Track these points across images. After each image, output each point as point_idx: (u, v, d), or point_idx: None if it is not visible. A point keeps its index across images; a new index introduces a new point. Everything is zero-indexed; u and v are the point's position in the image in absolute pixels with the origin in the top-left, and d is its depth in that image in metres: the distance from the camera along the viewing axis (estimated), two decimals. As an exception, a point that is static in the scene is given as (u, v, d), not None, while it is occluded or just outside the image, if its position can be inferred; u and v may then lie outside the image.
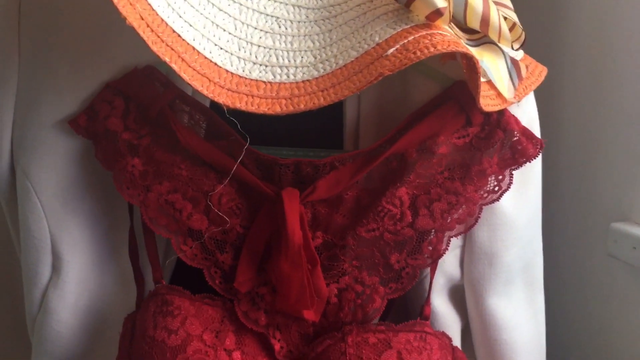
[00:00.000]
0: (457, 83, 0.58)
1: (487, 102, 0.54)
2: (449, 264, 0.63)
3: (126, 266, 0.62)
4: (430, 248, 0.57)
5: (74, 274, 0.62)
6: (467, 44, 0.52)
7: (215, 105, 0.60)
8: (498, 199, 0.57)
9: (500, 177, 0.57)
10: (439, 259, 0.58)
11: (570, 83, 0.83)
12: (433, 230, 0.57)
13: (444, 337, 0.59)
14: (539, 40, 0.83)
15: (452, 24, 0.52)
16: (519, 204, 0.62)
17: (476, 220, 0.57)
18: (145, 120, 0.58)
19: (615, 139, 0.80)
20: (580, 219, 0.87)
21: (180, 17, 0.48)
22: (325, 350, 0.56)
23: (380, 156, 0.56)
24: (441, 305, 0.63)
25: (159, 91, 0.58)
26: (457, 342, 0.63)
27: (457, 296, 0.64)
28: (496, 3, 0.55)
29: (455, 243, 0.62)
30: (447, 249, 0.57)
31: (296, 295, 0.55)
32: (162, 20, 0.46)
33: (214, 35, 0.49)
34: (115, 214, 0.62)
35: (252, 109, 0.45)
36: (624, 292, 0.82)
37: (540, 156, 0.60)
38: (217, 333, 0.56)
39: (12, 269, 0.71)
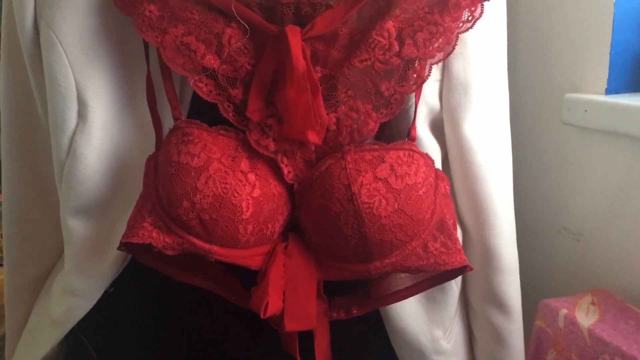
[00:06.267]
0: None
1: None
2: (430, 95, 0.70)
3: (145, 113, 0.67)
4: (415, 75, 0.64)
5: (99, 120, 0.67)
6: None
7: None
8: (472, 26, 0.65)
9: (473, 8, 0.64)
10: (423, 84, 0.65)
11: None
12: (417, 59, 0.64)
13: (428, 157, 0.66)
14: None
15: None
16: (488, 38, 0.70)
17: (453, 48, 0.65)
18: None
19: (568, 18, 0.89)
20: (537, 92, 0.96)
21: None
22: (327, 168, 0.64)
23: None
24: (424, 132, 0.71)
25: None
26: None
27: (437, 128, 0.72)
28: None
29: (435, 77, 0.69)
30: (429, 75, 0.65)
31: (302, 117, 0.61)
32: None
33: None
34: (133, 61, 0.67)
35: None
36: (577, 156, 0.91)
37: None
38: (233, 158, 0.63)
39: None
